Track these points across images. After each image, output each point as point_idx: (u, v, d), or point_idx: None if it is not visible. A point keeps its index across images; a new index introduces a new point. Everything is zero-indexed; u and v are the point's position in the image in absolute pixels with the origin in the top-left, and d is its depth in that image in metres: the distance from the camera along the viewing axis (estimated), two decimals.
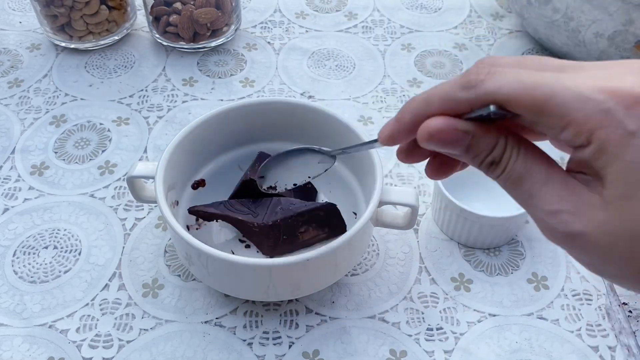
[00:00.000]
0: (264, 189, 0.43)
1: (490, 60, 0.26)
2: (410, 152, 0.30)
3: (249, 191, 0.48)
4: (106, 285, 0.48)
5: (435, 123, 0.26)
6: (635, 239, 0.23)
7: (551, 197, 0.25)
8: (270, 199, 0.46)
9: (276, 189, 0.43)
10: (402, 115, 0.28)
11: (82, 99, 0.63)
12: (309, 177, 0.42)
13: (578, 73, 0.24)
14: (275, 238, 0.45)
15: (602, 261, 0.25)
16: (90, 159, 0.57)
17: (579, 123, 0.23)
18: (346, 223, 0.47)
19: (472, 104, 0.25)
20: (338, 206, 0.47)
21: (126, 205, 0.53)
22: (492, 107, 0.24)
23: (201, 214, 0.47)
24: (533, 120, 0.24)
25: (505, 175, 0.26)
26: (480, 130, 0.26)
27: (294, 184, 0.43)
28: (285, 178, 0.43)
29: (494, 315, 0.46)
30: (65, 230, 0.51)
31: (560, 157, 0.58)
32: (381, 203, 0.43)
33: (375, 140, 0.31)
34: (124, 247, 0.50)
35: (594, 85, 0.23)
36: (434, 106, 0.26)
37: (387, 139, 0.29)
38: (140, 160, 0.57)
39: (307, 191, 0.50)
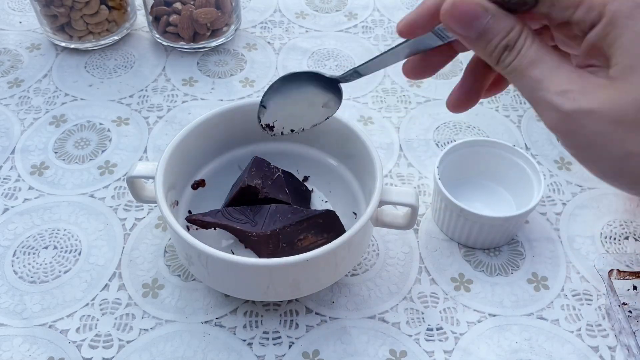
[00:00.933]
0: (262, 125, 0.43)
1: None
2: (416, 67, 0.32)
3: (246, 197, 0.47)
4: (106, 285, 0.48)
5: None
6: None
7: (561, 79, 0.26)
8: (268, 206, 0.46)
9: (273, 130, 0.43)
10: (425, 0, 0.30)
11: (82, 99, 0.63)
12: (305, 127, 0.43)
13: None
14: (274, 246, 0.45)
15: (604, 140, 0.26)
16: (90, 159, 0.57)
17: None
18: (346, 223, 0.47)
19: None
20: (338, 206, 0.47)
21: (126, 205, 0.53)
22: None
23: (199, 223, 0.46)
24: (550, 3, 0.26)
25: (518, 60, 0.27)
26: (500, 12, 0.27)
27: (291, 130, 0.43)
28: (285, 118, 0.43)
29: (494, 316, 0.46)
30: (65, 230, 0.51)
31: (560, 156, 0.58)
32: (381, 203, 0.43)
33: (393, 48, 0.31)
34: (123, 247, 0.50)
35: None
36: None
37: (405, 25, 0.30)
38: (140, 160, 0.57)
39: (302, 193, 0.50)
